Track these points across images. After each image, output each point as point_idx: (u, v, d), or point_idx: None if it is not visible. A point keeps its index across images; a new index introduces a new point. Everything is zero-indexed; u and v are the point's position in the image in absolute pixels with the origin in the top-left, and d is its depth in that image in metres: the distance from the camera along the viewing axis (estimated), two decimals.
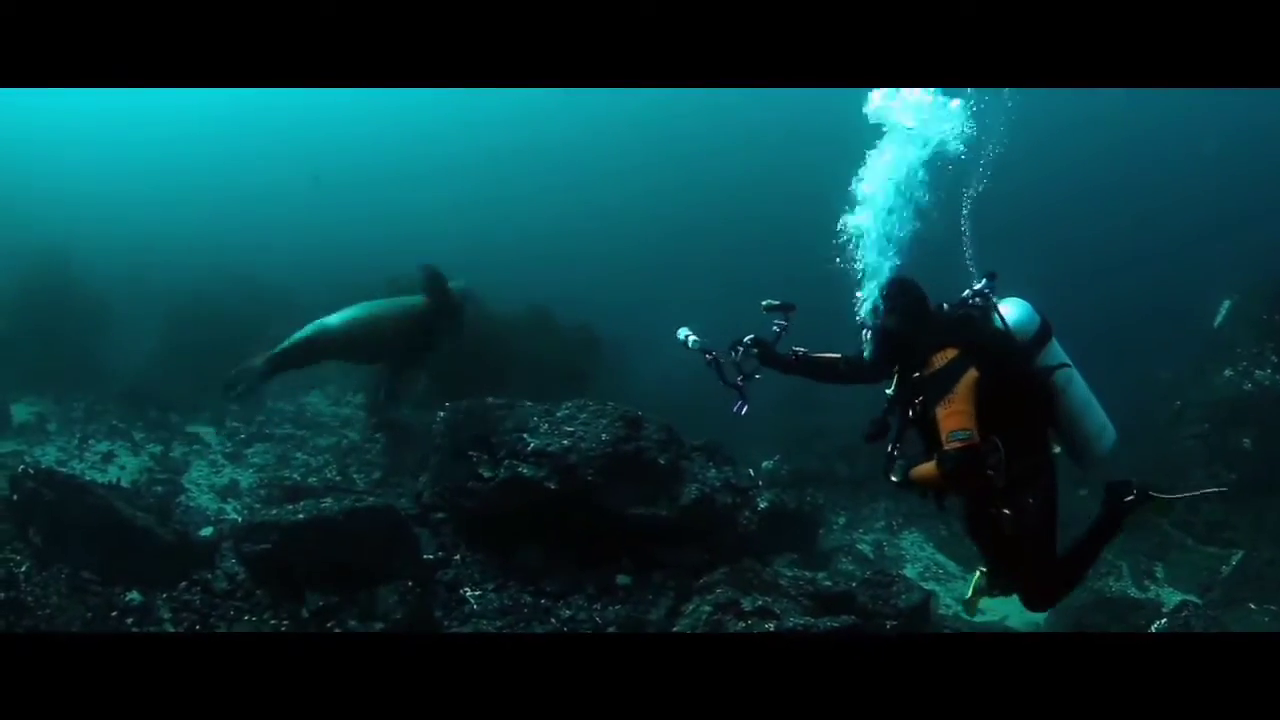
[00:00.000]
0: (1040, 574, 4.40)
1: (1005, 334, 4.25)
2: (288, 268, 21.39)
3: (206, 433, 13.14)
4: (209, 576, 6.53)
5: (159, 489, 10.50)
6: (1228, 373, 13.73)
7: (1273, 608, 9.79)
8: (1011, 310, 4.31)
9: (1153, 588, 11.60)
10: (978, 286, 4.43)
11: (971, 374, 4.02)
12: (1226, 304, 15.15)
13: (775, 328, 4.79)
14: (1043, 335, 4.34)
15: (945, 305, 4.46)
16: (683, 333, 4.81)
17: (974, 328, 4.28)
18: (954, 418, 3.93)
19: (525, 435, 7.00)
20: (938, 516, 13.34)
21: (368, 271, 15.09)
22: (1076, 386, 4.37)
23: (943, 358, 4.11)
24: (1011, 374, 4.18)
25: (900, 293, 4.41)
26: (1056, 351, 4.38)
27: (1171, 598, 10.95)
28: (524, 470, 6.84)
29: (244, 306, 17.73)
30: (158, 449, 12.20)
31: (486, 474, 7.05)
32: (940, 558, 12.57)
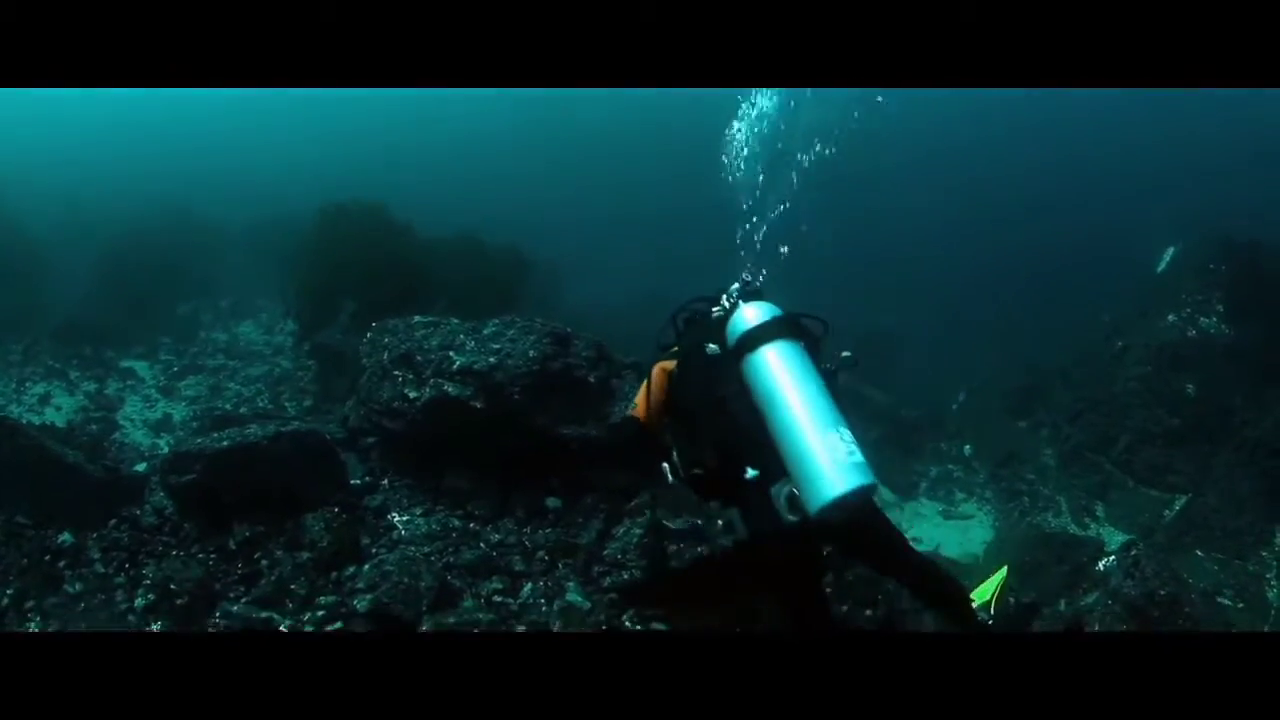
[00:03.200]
0: None
1: (699, 339, 4.38)
2: (219, 198, 20.99)
3: (140, 367, 12.97)
4: (137, 512, 6.33)
5: (94, 427, 10.39)
6: (1171, 318, 13.74)
7: (1219, 555, 9.85)
8: (738, 315, 4.32)
9: (1093, 526, 11.64)
10: (734, 288, 4.56)
11: (663, 365, 4.54)
12: (1170, 251, 15.23)
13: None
14: (743, 345, 4.21)
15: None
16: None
17: (690, 329, 4.61)
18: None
19: (451, 353, 6.75)
20: (871, 444, 13.48)
21: (301, 199, 14.81)
22: (781, 410, 4.02)
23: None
24: (693, 376, 4.40)
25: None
26: (761, 365, 4.13)
27: (1113, 537, 11.01)
28: (449, 389, 6.60)
29: (177, 238, 17.56)
30: (93, 387, 12.01)
31: (412, 394, 6.79)
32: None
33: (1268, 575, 9.44)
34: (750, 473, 4.06)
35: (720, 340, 4.31)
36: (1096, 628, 5.28)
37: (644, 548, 5.95)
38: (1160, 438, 12.31)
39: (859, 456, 3.86)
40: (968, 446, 14.09)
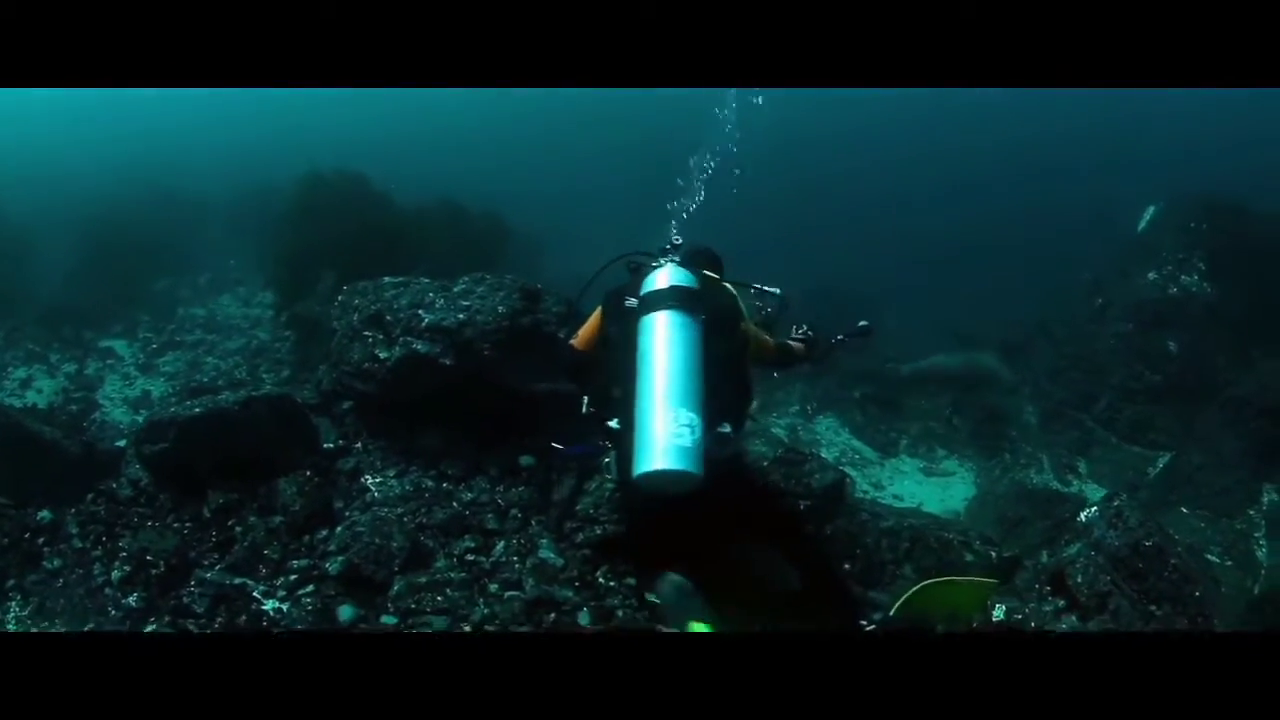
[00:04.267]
0: None
1: (624, 290, 4.64)
2: (199, 171, 20.97)
3: (120, 346, 13.01)
4: (114, 485, 6.29)
5: (74, 408, 10.43)
6: (1152, 276, 13.74)
7: (1206, 513, 9.88)
8: (651, 276, 4.57)
9: (1075, 482, 11.66)
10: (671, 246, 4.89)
11: (599, 310, 4.89)
12: (1151, 209, 15.21)
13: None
14: (642, 305, 4.43)
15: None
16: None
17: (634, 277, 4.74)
18: None
19: (421, 312, 6.67)
20: (854, 402, 13.53)
21: (279, 170, 14.75)
22: (643, 375, 4.20)
23: None
24: (610, 323, 4.75)
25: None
26: (645, 329, 4.34)
27: (1096, 493, 10.97)
28: (419, 347, 6.53)
29: (156, 213, 17.57)
30: (73, 368, 12.04)
31: (383, 354, 6.73)
32: (856, 443, 12.73)
33: (1256, 534, 9.50)
34: (613, 423, 4.29)
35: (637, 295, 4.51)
36: (1079, 579, 5.18)
37: (616, 501, 5.92)
38: (1142, 395, 12.39)
39: (686, 442, 3.95)
40: (949, 404, 14.09)
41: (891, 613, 4.88)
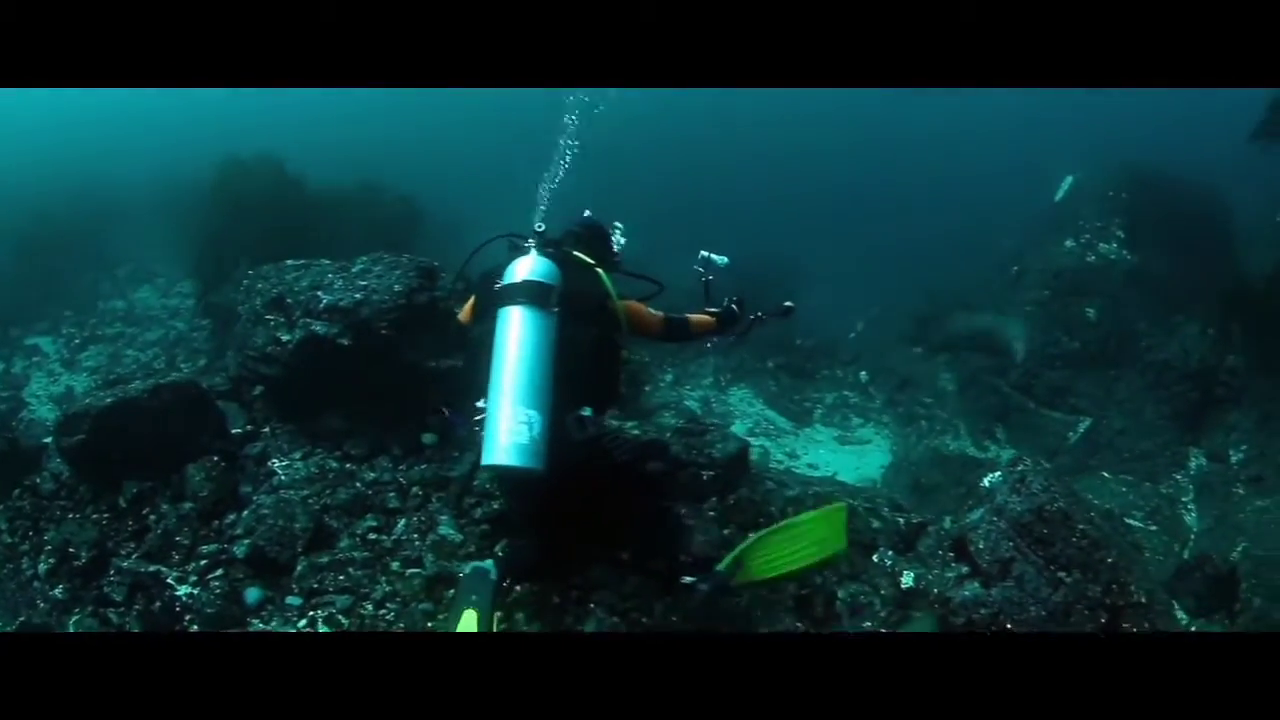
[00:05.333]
0: None
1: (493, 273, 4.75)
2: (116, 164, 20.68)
3: (44, 343, 13.07)
4: (37, 480, 6.32)
5: (2, 407, 10.59)
6: (1069, 244, 13.99)
7: (1128, 478, 10.08)
8: (513, 265, 4.65)
9: (993, 448, 11.85)
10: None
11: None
12: (1068, 179, 15.47)
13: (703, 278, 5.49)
14: (500, 294, 4.55)
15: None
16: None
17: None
18: None
19: (320, 293, 6.67)
20: (768, 372, 13.63)
21: (198, 157, 14.62)
22: (495, 368, 4.38)
23: None
24: (479, 302, 4.97)
25: None
26: (501, 320, 4.46)
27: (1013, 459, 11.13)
28: (317, 328, 6.53)
29: (77, 209, 17.40)
30: (1, 367, 12.13)
31: (284, 337, 6.72)
32: (770, 413, 12.86)
33: (1184, 499, 9.67)
34: (480, 403, 4.43)
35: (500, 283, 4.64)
36: (981, 545, 5.22)
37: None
38: (1059, 360, 12.56)
39: (523, 439, 4.19)
40: (864, 373, 14.23)
41: (720, 567, 4.91)
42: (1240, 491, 9.09)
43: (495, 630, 4.50)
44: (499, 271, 4.68)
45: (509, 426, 4.21)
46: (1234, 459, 9.81)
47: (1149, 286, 13.12)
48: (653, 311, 5.11)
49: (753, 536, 5.06)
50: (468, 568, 4.78)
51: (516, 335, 4.38)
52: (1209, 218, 14.05)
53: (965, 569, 5.20)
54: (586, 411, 4.57)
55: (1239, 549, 7.34)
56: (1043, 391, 12.40)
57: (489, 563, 4.73)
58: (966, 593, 5.07)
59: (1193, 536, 8.75)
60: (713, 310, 5.42)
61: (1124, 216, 14.07)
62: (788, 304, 5.61)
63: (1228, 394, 10.49)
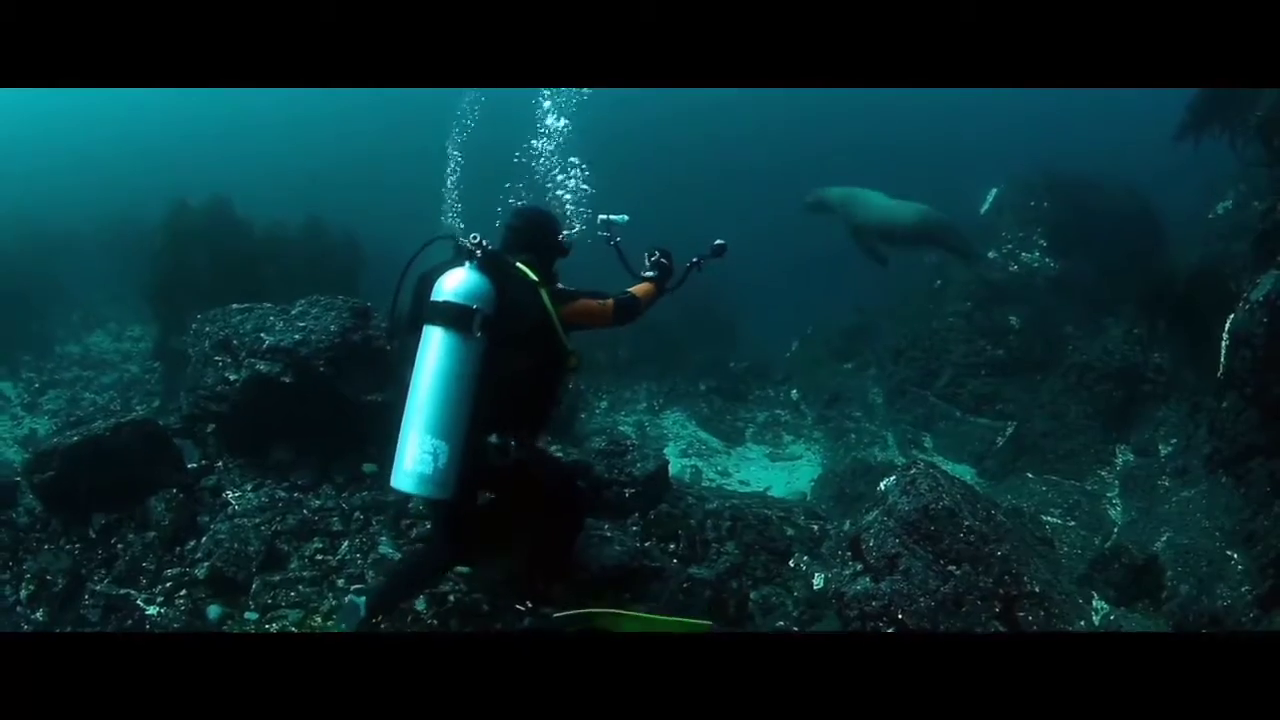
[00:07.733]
0: None
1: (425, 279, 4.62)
2: (68, 208, 20.80)
3: (6, 387, 13.32)
4: (13, 515, 6.74)
5: None
6: (992, 255, 14.40)
7: (1052, 477, 10.29)
8: (443, 279, 4.50)
9: (921, 457, 11.89)
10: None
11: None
12: (993, 192, 15.92)
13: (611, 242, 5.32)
14: (427, 311, 4.48)
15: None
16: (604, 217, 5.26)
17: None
18: None
19: (263, 334, 7.14)
20: (700, 395, 14.01)
21: (148, 205, 14.90)
22: (412, 389, 4.40)
23: None
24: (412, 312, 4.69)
25: None
26: (423, 338, 4.46)
27: (943, 466, 11.44)
28: (261, 367, 7.00)
29: (29, 253, 17.51)
30: None
31: (232, 376, 7.16)
32: (703, 434, 13.22)
33: (1109, 494, 9.83)
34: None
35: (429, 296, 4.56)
36: (871, 544, 5.51)
37: None
38: (984, 368, 12.88)
39: (426, 469, 4.25)
40: (795, 391, 14.64)
41: (558, 615, 4.97)
42: (1166, 484, 9.08)
43: None
44: (433, 277, 4.53)
45: (415, 455, 4.24)
46: (1164, 452, 9.92)
47: (1075, 291, 13.50)
48: (600, 303, 4.85)
49: (610, 610, 5.14)
50: (345, 599, 5.03)
51: (432, 362, 4.32)
52: (1134, 219, 14.40)
53: (859, 566, 5.54)
54: (505, 440, 4.53)
55: (1163, 539, 7.36)
56: (968, 399, 12.71)
57: (361, 599, 4.80)
58: (858, 587, 5.40)
59: (1115, 530, 8.81)
60: (648, 275, 5.26)
61: (1046, 224, 14.54)
62: (718, 242, 5.51)
63: (1155, 390, 10.71)
